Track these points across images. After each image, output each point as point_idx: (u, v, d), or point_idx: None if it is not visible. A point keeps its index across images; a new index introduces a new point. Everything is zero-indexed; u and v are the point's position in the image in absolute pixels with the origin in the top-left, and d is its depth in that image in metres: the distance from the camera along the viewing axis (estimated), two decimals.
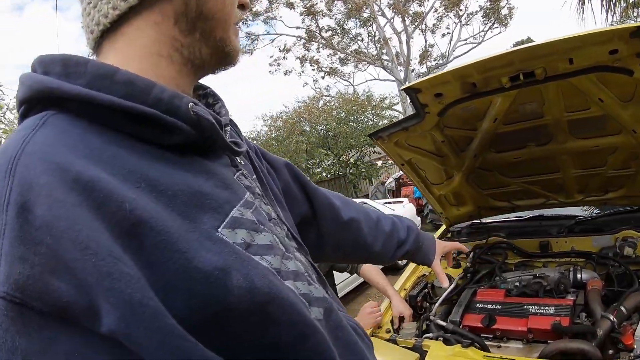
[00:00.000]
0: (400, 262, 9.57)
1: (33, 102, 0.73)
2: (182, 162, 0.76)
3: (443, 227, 4.14)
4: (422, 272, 3.54)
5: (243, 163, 0.98)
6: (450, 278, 3.19)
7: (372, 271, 3.27)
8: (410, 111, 15.75)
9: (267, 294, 0.73)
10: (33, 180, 0.59)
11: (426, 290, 3.27)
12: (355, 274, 3.39)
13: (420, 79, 2.66)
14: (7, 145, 0.65)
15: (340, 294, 7.57)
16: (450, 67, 2.61)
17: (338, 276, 4.43)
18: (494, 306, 2.71)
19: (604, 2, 10.68)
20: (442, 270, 1.80)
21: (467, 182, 3.50)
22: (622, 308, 2.36)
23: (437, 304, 3.00)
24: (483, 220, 3.96)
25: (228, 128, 0.95)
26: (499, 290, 2.86)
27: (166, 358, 0.61)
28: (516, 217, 4.05)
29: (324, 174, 19.13)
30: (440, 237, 3.95)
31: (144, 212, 0.64)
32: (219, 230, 0.73)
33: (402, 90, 2.80)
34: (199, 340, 0.65)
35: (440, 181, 3.59)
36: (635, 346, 2.14)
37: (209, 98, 1.04)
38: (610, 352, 2.23)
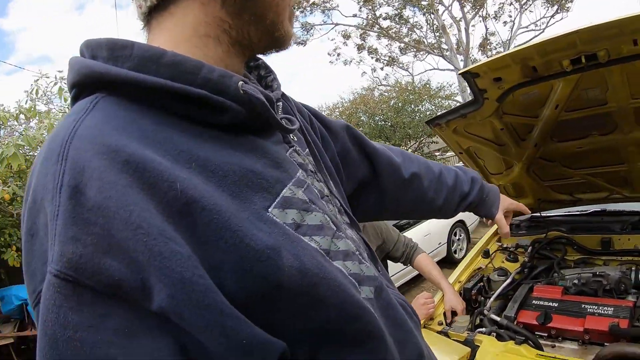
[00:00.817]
0: (456, 256, 9.54)
1: (83, 85, 0.74)
2: (233, 142, 0.77)
3: None
4: (478, 265, 3.45)
5: (296, 139, 0.97)
6: (506, 272, 3.12)
7: (427, 263, 3.21)
8: None
9: (316, 275, 0.73)
10: (85, 164, 0.60)
11: (481, 283, 3.18)
12: (409, 265, 3.34)
13: (479, 63, 2.55)
14: (59, 129, 0.67)
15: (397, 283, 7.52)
16: (510, 50, 2.50)
17: (392, 267, 4.36)
18: (550, 303, 2.61)
19: None
20: (506, 223, 1.76)
21: (527, 172, 3.39)
22: None
23: (492, 298, 2.92)
24: (543, 214, 3.82)
25: (280, 103, 0.96)
26: (557, 288, 2.75)
27: (215, 335, 0.62)
28: (578, 211, 3.91)
29: None
30: (498, 232, 3.85)
31: (195, 192, 0.65)
32: (269, 210, 0.73)
33: (459, 74, 2.70)
34: (248, 318, 0.66)
35: (500, 171, 3.49)
36: None
37: (261, 70, 1.03)
38: None
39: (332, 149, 1.24)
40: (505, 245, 3.65)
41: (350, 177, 1.30)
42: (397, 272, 7.31)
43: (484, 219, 1.83)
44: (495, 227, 3.93)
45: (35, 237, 0.62)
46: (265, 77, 1.02)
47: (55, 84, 7.84)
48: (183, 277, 0.59)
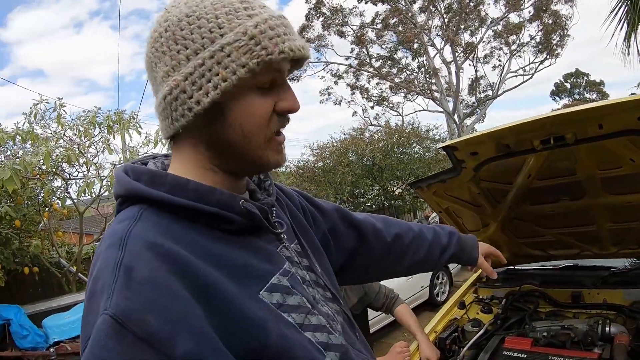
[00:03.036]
0: (438, 299, 9.69)
1: (128, 198, 1.02)
2: (237, 242, 1.02)
3: (479, 271, 4.17)
4: (454, 315, 3.62)
5: (286, 236, 1.18)
6: (480, 323, 3.27)
7: (405, 314, 3.37)
8: None
9: (290, 339, 0.97)
10: (138, 252, 0.85)
11: (456, 333, 3.32)
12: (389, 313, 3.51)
13: (458, 139, 2.82)
14: (117, 229, 0.92)
15: (376, 327, 7.67)
16: (485, 129, 2.77)
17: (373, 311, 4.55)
18: (519, 355, 2.75)
19: None
20: (489, 265, 1.99)
21: (502, 231, 3.59)
22: None
23: (465, 348, 3.07)
24: (518, 267, 4.03)
25: (274, 208, 1.21)
26: (527, 339, 2.89)
27: None
28: (551, 265, 4.09)
29: (369, 204, 19.23)
30: (475, 282, 4.06)
31: (211, 279, 0.89)
32: (260, 293, 0.98)
33: (440, 148, 2.96)
34: None
35: (477, 228, 3.68)
36: None
37: (261, 174, 1.28)
38: None
39: (323, 227, 1.50)
40: (480, 297, 3.82)
41: (340, 248, 1.56)
42: (379, 314, 7.43)
43: (468, 267, 2.04)
44: (472, 278, 4.15)
45: (93, 299, 0.83)
46: (264, 181, 1.27)
47: (54, 110, 8.06)
48: (203, 330, 0.82)
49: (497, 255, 2.10)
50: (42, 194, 8.28)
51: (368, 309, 3.59)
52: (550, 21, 22.55)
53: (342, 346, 1.12)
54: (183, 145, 1.06)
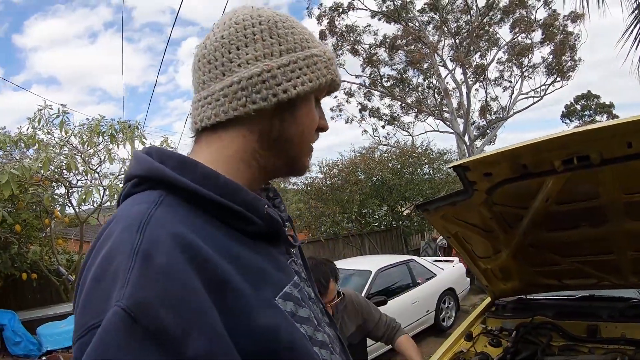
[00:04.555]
0: (444, 324, 9.46)
1: (146, 179, 0.97)
2: (253, 245, 0.99)
3: (488, 299, 4.01)
4: (459, 348, 3.42)
5: (294, 252, 1.20)
6: (488, 358, 3.09)
7: (408, 346, 3.16)
8: None
9: (301, 348, 0.95)
10: (158, 239, 0.81)
11: None
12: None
13: (470, 158, 2.61)
14: (135, 211, 0.88)
15: (376, 353, 7.42)
16: (500, 148, 2.55)
17: None
18: None
19: None
20: None
21: (515, 258, 3.40)
22: None
23: None
24: (530, 296, 3.83)
25: (288, 224, 1.20)
26: None
27: None
28: (566, 295, 3.90)
29: (377, 224, 19.02)
30: (485, 310, 3.87)
31: (229, 277, 0.86)
32: (276, 299, 0.95)
33: (450, 168, 2.76)
34: None
35: (487, 255, 3.51)
36: None
37: (270, 192, 1.27)
38: None
39: None
40: (489, 328, 3.63)
41: None
42: None
43: None
44: (481, 306, 3.94)
45: (101, 282, 0.78)
46: (274, 199, 1.26)
47: (58, 116, 8.14)
48: (217, 330, 0.79)
49: None
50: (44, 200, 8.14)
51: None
52: (558, 41, 22.38)
53: None
54: (229, 133, 1.06)
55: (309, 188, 18.16)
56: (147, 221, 0.84)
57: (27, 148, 8.32)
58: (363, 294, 7.88)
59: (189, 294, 0.78)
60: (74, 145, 8.77)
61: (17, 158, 7.88)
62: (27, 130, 8.05)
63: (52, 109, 8.28)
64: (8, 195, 6.42)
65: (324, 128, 1.18)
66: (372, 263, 9.36)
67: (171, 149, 1.13)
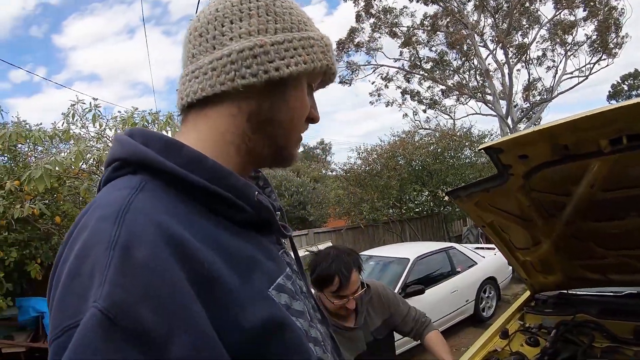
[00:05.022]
0: (484, 314, 9.16)
1: (128, 163, 0.90)
2: (243, 234, 0.94)
3: (527, 293, 3.76)
4: (494, 346, 3.17)
5: (285, 243, 1.17)
6: (523, 358, 2.85)
7: (437, 342, 2.95)
8: None
9: (299, 346, 0.91)
10: (138, 231, 0.74)
11: None
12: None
13: (503, 138, 2.32)
14: (113, 199, 0.81)
15: (401, 349, 6.94)
16: (538, 125, 2.24)
17: None
18: None
19: None
20: None
21: (556, 250, 3.15)
22: None
23: None
24: (572, 292, 3.56)
25: (279, 212, 1.18)
26: None
27: None
28: (611, 291, 3.60)
29: (417, 210, 18.71)
30: (524, 305, 3.63)
31: (216, 272, 0.80)
32: (269, 290, 0.90)
33: (480, 150, 2.47)
34: None
35: (526, 246, 3.25)
36: None
37: (260, 181, 1.24)
38: None
39: None
40: (527, 325, 3.37)
41: None
42: None
43: None
44: (522, 298, 3.66)
45: (77, 279, 0.72)
46: (264, 187, 1.24)
47: (90, 110, 8.19)
48: (204, 330, 0.73)
49: None
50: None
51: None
52: (602, 17, 21.52)
53: None
54: (216, 110, 1.01)
55: (348, 174, 17.92)
56: (126, 209, 0.78)
57: (63, 142, 8.44)
58: (400, 283, 7.77)
59: (172, 291, 0.72)
60: (109, 138, 8.80)
61: (54, 152, 8.08)
62: (62, 125, 8.09)
63: (84, 103, 8.31)
64: (43, 189, 6.47)
65: (314, 119, 1.13)
66: (411, 250, 9.11)
67: (154, 131, 1.00)
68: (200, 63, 1.00)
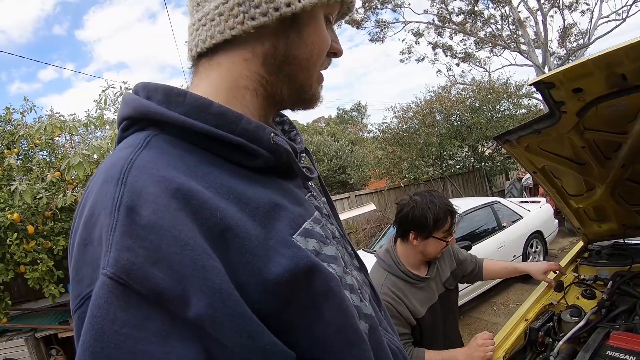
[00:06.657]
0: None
1: (134, 120, 0.89)
2: (262, 181, 0.91)
3: (580, 244, 3.58)
4: (549, 300, 3.01)
5: (313, 186, 1.14)
6: (581, 312, 2.69)
7: (492, 262, 2.99)
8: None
9: (332, 291, 0.86)
10: (142, 189, 0.72)
11: (551, 323, 2.73)
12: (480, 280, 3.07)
13: (554, 70, 2.11)
14: (116, 159, 0.79)
15: (463, 300, 7.26)
16: (593, 53, 2.02)
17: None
18: (627, 357, 2.14)
19: None
20: None
21: (611, 195, 2.96)
22: None
23: (561, 342, 2.49)
24: (628, 241, 3.33)
25: (304, 155, 1.14)
26: (638, 337, 2.26)
27: (243, 340, 0.72)
28: None
29: (458, 167, 18.47)
30: (577, 256, 3.47)
31: (232, 221, 0.77)
32: (294, 236, 0.86)
33: (530, 85, 2.26)
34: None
35: (580, 192, 3.07)
36: None
37: (285, 125, 1.22)
38: None
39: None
40: (582, 277, 3.19)
41: None
42: (466, 286, 6.88)
43: None
44: (574, 250, 3.49)
45: (89, 247, 0.71)
46: (289, 131, 1.21)
47: (121, 94, 8.12)
48: (221, 288, 0.70)
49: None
50: None
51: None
52: None
53: (372, 318, 1.03)
54: (229, 57, 0.96)
55: (385, 134, 17.74)
56: (129, 169, 0.75)
57: (98, 129, 8.47)
58: None
59: (184, 247, 0.69)
60: None
61: (90, 139, 8.16)
62: (95, 112, 8.16)
63: (114, 88, 8.29)
64: (83, 176, 6.55)
65: (337, 52, 1.06)
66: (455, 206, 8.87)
67: (157, 83, 0.92)
68: (206, 10, 0.95)
